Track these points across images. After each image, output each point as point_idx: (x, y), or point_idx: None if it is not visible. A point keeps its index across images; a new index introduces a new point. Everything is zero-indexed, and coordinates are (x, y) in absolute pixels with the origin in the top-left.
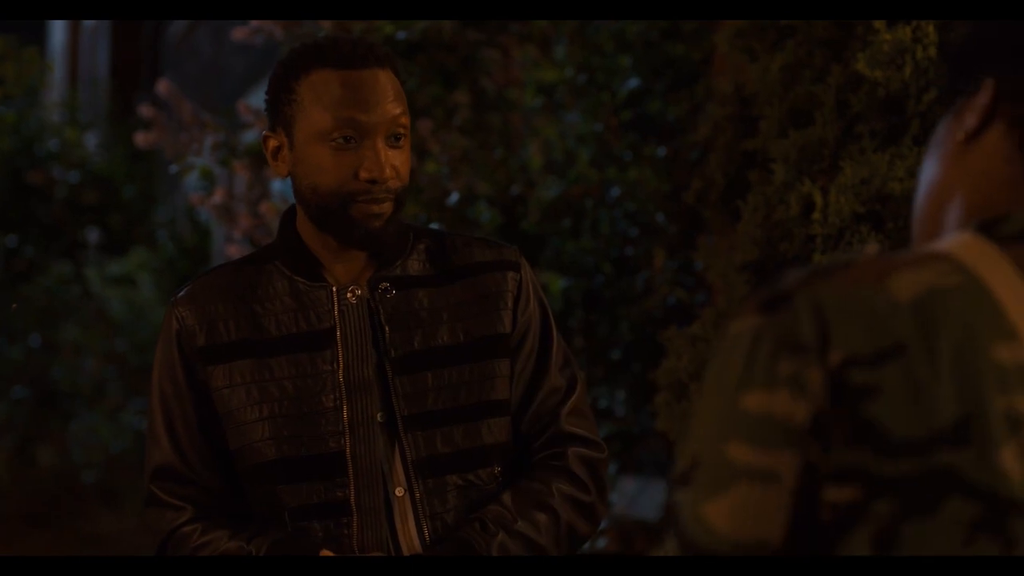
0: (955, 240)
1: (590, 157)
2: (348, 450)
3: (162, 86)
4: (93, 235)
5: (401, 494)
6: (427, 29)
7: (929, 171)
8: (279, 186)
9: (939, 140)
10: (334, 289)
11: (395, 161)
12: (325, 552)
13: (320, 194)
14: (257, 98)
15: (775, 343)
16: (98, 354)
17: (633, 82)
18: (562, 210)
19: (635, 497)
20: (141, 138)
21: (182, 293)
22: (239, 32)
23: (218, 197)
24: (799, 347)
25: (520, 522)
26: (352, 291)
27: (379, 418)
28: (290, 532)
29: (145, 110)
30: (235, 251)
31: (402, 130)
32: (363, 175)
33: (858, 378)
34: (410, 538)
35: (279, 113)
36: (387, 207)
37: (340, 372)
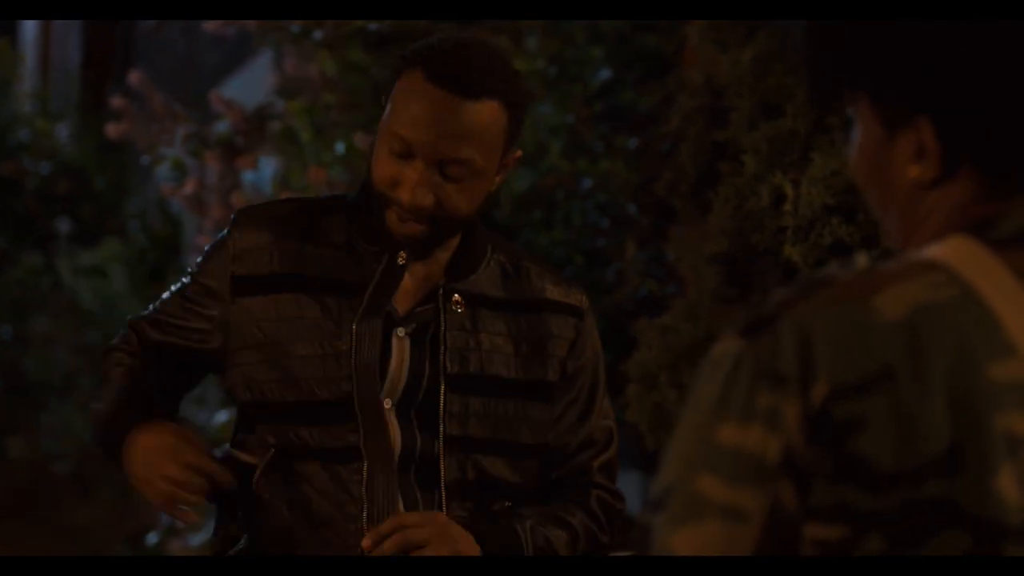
0: (947, 246)
1: (561, 148)
2: (355, 399)
3: (134, 77)
4: (64, 226)
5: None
6: (399, 19)
7: (878, 183)
8: (250, 177)
9: (874, 158)
10: (386, 255)
11: (442, 193)
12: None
13: (373, 180)
14: (229, 89)
15: (755, 373)
16: (69, 345)
17: (605, 73)
18: (533, 202)
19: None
20: (112, 129)
21: (247, 212)
22: (211, 24)
23: (189, 188)
24: (779, 379)
25: (547, 528)
26: (401, 255)
27: (387, 405)
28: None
29: (116, 101)
30: (206, 242)
31: (463, 171)
32: (398, 191)
33: (843, 411)
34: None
35: (388, 88)
36: (422, 229)
37: (355, 320)
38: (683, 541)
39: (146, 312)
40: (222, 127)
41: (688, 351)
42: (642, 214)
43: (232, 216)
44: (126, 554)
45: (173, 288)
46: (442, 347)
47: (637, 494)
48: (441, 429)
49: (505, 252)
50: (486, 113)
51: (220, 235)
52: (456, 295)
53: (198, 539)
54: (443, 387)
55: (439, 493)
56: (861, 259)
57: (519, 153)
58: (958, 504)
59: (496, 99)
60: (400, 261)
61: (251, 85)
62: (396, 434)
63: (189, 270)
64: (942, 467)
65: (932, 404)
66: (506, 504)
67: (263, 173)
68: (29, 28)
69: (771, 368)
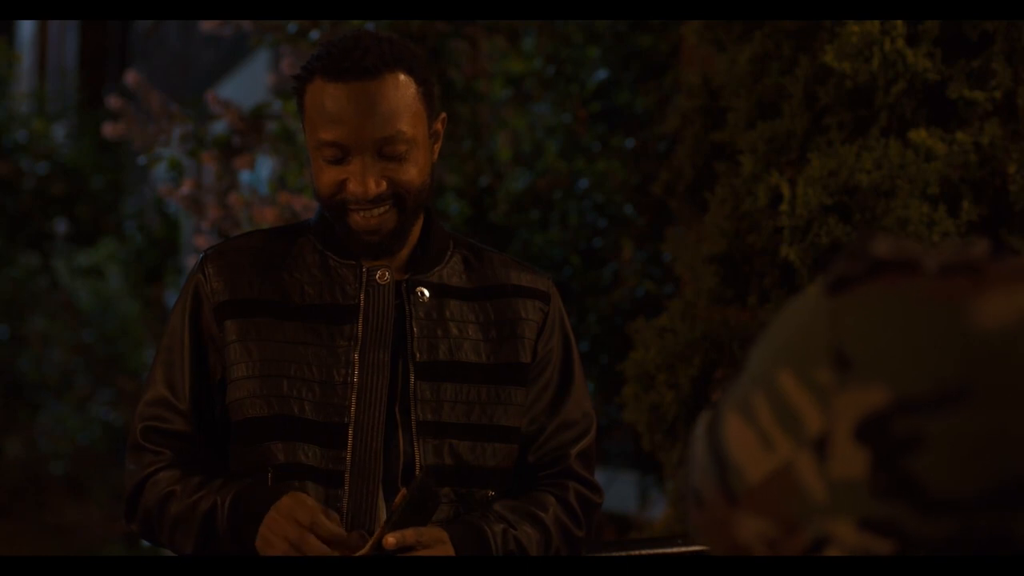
0: None
1: (558, 149)
2: (352, 427)
3: (130, 77)
4: (61, 226)
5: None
6: (395, 20)
7: None
8: (247, 177)
9: None
10: (364, 269)
11: (391, 173)
12: (295, 495)
13: (320, 199)
14: (226, 89)
15: (826, 344)
16: (66, 345)
17: (601, 73)
18: (530, 201)
19: (604, 488)
20: (109, 129)
21: (214, 248)
22: (207, 23)
23: (186, 188)
24: (844, 363)
25: (518, 529)
26: (381, 274)
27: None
28: (251, 482)
29: (113, 101)
30: (203, 242)
31: (400, 147)
32: (349, 188)
33: (903, 427)
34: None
35: (300, 112)
36: (386, 219)
37: (356, 350)
38: (732, 427)
39: (142, 418)
40: (219, 127)
41: (685, 351)
42: (639, 214)
43: (200, 255)
44: (121, 553)
45: (155, 374)
46: (409, 337)
47: (634, 494)
48: (413, 416)
49: (467, 246)
50: (394, 85)
51: (189, 279)
52: (420, 287)
53: None
54: (412, 375)
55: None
56: (980, 246)
57: (444, 116)
58: (1015, 539)
59: (397, 70)
60: (382, 281)
61: (248, 85)
62: (381, 446)
63: (163, 336)
64: (1010, 499)
65: (1011, 430)
66: (488, 493)
67: (260, 173)
68: (26, 28)
69: (841, 347)
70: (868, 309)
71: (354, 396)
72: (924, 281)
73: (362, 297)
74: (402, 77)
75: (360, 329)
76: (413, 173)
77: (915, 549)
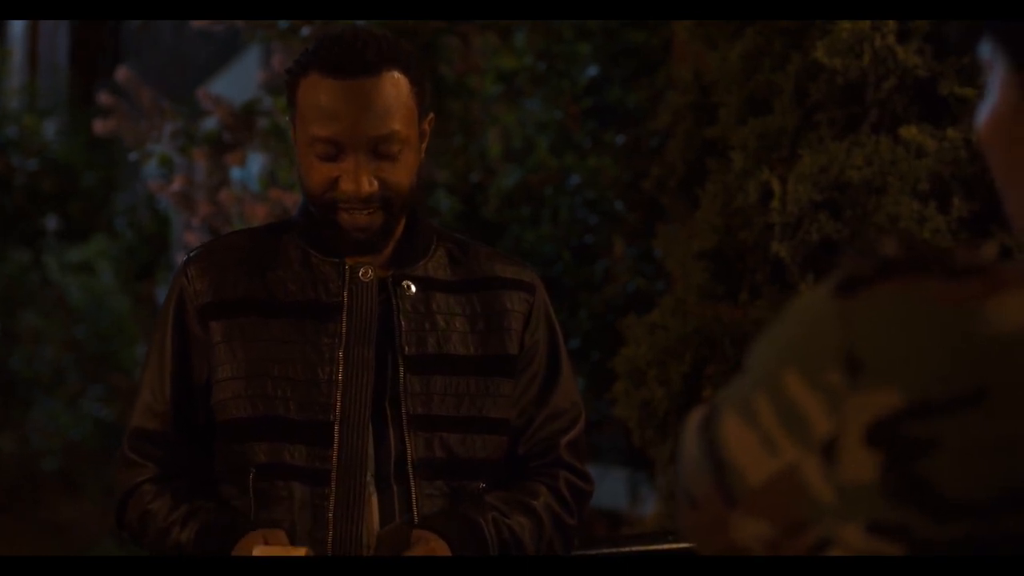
0: None
1: (549, 145)
2: (337, 424)
3: (121, 73)
4: (52, 223)
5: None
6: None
7: (1008, 156)
8: (238, 174)
9: (1008, 129)
10: (347, 266)
11: (383, 173)
12: (256, 537)
13: (308, 196)
14: (218, 85)
15: (835, 345)
16: (57, 342)
17: (593, 70)
18: (521, 198)
19: (595, 484)
20: (100, 125)
21: (196, 250)
22: (200, 20)
23: (177, 185)
24: (855, 365)
25: (511, 519)
26: (364, 271)
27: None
28: (225, 515)
29: (105, 97)
30: (194, 239)
31: (394, 146)
32: (341, 186)
33: (916, 431)
34: (372, 524)
35: (291, 106)
36: (375, 218)
37: (341, 348)
38: (732, 427)
39: (130, 431)
40: (210, 123)
41: (676, 347)
42: (630, 210)
43: (183, 260)
44: (113, 550)
45: (142, 381)
46: (397, 331)
47: (625, 490)
48: (404, 410)
49: (451, 239)
50: (391, 83)
51: (173, 282)
52: (406, 281)
53: None
54: (401, 369)
55: (408, 473)
56: (989, 249)
57: (432, 116)
58: None
59: (393, 68)
60: (365, 279)
61: (239, 81)
62: (371, 444)
63: (152, 338)
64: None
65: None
66: (479, 485)
67: (251, 169)
68: (17, 24)
69: (852, 349)
70: (880, 311)
71: (339, 394)
72: (936, 283)
73: (345, 295)
74: (398, 76)
75: (344, 326)
76: (403, 175)
77: (923, 553)
